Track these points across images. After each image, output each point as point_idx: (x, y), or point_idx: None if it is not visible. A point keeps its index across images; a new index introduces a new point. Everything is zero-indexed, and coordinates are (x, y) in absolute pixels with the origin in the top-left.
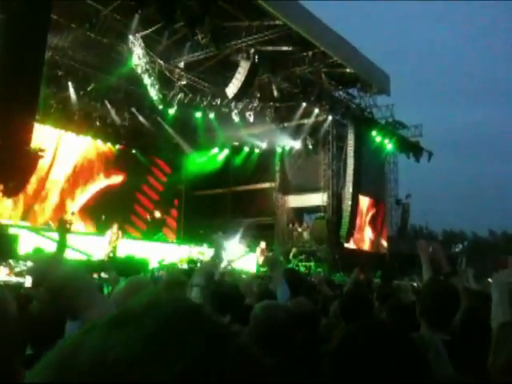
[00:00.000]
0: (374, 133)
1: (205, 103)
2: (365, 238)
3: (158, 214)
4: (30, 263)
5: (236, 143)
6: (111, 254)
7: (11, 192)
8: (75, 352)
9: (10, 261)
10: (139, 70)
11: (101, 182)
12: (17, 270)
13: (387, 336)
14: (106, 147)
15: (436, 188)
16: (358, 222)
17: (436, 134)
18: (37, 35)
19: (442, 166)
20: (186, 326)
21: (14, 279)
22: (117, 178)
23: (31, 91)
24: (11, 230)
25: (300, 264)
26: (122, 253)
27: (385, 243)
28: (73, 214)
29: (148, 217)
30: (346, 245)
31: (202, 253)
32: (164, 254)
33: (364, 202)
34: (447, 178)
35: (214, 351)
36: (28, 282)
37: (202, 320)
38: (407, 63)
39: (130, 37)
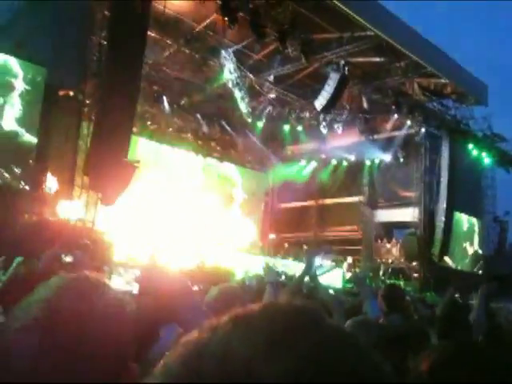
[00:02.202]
0: (470, 146)
1: (293, 116)
2: (459, 257)
3: None
4: (137, 272)
5: (323, 156)
6: (200, 264)
7: (108, 201)
8: (199, 356)
9: (121, 269)
10: (230, 84)
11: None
12: (126, 278)
13: (487, 362)
14: (197, 159)
15: None
16: (451, 239)
17: None
18: (135, 51)
19: None
20: (303, 328)
21: (123, 287)
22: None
23: (129, 105)
24: (106, 237)
25: (389, 282)
26: (208, 262)
27: (481, 263)
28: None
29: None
30: (439, 263)
31: (287, 266)
32: (249, 265)
33: (459, 218)
34: None
35: (333, 353)
36: (135, 289)
37: (320, 323)
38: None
39: (222, 52)
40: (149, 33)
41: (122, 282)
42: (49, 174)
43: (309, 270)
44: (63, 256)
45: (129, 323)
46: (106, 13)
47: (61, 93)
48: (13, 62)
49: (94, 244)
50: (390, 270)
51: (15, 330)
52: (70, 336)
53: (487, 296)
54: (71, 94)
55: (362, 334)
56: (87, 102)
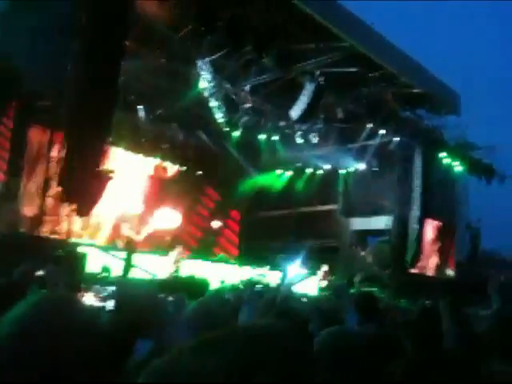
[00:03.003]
0: (442, 154)
1: (269, 125)
2: (431, 264)
3: (215, 224)
4: (113, 288)
5: (299, 164)
6: (174, 274)
7: (82, 211)
8: (173, 367)
9: (97, 286)
10: (206, 94)
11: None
12: (103, 294)
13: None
14: (173, 169)
15: (509, 212)
16: (424, 246)
17: (510, 155)
18: (111, 60)
19: None
20: (265, 351)
21: (99, 303)
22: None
23: (105, 114)
24: (79, 249)
25: (363, 289)
26: (182, 272)
27: (453, 269)
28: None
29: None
30: (411, 270)
31: (263, 275)
32: (224, 274)
33: (432, 226)
34: None
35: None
36: (110, 305)
37: (279, 345)
38: (479, 82)
39: (199, 61)
40: (125, 42)
41: (97, 299)
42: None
43: (285, 279)
44: (36, 270)
45: (102, 339)
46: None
47: (35, 102)
48: None
49: (67, 256)
50: (364, 277)
51: None
52: (44, 351)
53: (458, 303)
54: (45, 103)
55: (338, 344)
56: (61, 111)
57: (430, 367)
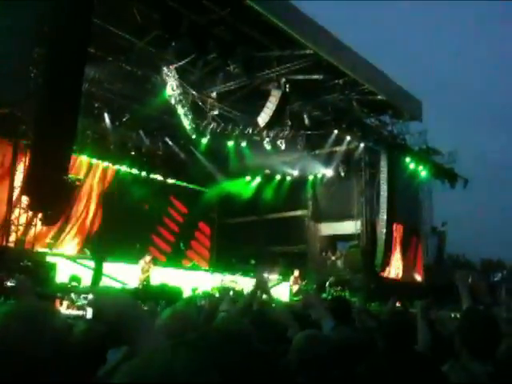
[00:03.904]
0: (407, 159)
1: (237, 132)
2: (399, 267)
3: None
4: (90, 296)
5: (268, 171)
6: (145, 283)
7: (49, 221)
8: (146, 366)
9: (72, 295)
10: (173, 101)
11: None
12: (78, 303)
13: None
14: (141, 176)
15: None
16: (392, 250)
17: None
18: (75, 67)
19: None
20: (232, 349)
21: (74, 312)
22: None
23: (69, 122)
24: (48, 259)
25: (335, 293)
26: (154, 280)
27: (420, 272)
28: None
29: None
30: (381, 274)
31: (235, 281)
32: (197, 281)
33: (398, 230)
34: (484, 204)
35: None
36: (89, 313)
37: (245, 345)
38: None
39: (164, 68)
40: (88, 49)
41: (73, 308)
42: None
43: (259, 284)
44: (4, 281)
45: (76, 348)
46: (46, 28)
47: None
48: None
49: (35, 266)
50: (335, 282)
51: None
52: (18, 360)
53: (429, 306)
54: (7, 111)
55: (313, 347)
56: (25, 119)
57: (399, 367)
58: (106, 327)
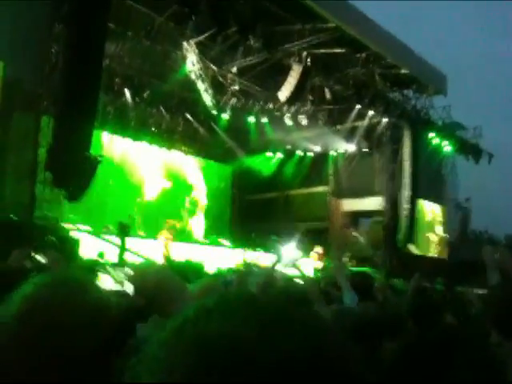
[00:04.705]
0: (430, 135)
1: (257, 107)
2: (425, 243)
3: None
4: (129, 271)
5: (289, 147)
6: (168, 258)
7: (72, 196)
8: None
9: (109, 268)
10: (193, 76)
11: (156, 187)
12: (116, 278)
13: (464, 344)
14: (161, 152)
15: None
16: (416, 226)
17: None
18: (95, 43)
19: (503, 168)
20: (292, 318)
21: (114, 287)
22: (168, 183)
23: (90, 98)
24: (72, 234)
25: (356, 270)
26: (176, 256)
27: (444, 248)
28: (130, 217)
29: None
30: (404, 250)
31: (258, 257)
32: (219, 258)
33: (422, 205)
34: (509, 180)
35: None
36: (129, 289)
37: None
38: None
39: (184, 43)
40: (108, 24)
41: (112, 282)
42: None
43: (280, 259)
44: (35, 255)
45: (111, 324)
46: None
47: (21, 87)
48: None
49: (60, 242)
50: (354, 257)
51: None
52: (50, 332)
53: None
54: (30, 87)
55: (340, 322)
56: (47, 95)
57: (431, 344)
58: (146, 300)
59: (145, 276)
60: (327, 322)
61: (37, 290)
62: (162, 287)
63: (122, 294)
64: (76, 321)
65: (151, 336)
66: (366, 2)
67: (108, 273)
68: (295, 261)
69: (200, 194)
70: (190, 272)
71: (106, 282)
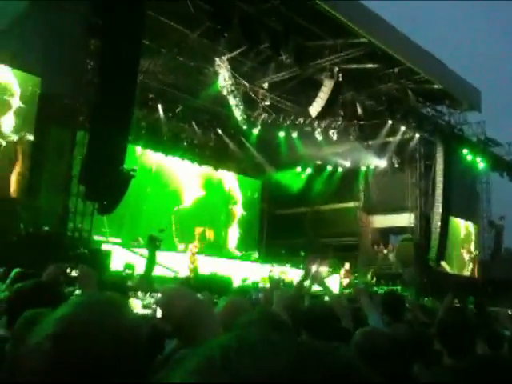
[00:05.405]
0: (464, 151)
1: (288, 122)
2: (458, 261)
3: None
4: (157, 295)
5: (319, 162)
6: (195, 271)
7: (105, 210)
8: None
9: (139, 293)
10: (225, 92)
11: (191, 196)
12: (145, 302)
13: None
14: (193, 167)
15: None
16: (448, 243)
17: None
18: (130, 59)
19: None
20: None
21: (141, 311)
22: (203, 192)
23: (125, 113)
24: (104, 247)
25: (378, 287)
26: (204, 270)
27: (477, 267)
28: (161, 231)
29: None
30: (435, 268)
31: (285, 272)
32: (246, 272)
33: (455, 222)
34: None
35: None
36: (158, 313)
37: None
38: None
39: (217, 59)
40: (143, 41)
41: (140, 305)
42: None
43: (309, 276)
44: (68, 270)
45: (142, 347)
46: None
47: (57, 102)
48: (9, 76)
49: (91, 254)
50: (375, 274)
51: (31, 346)
52: (84, 355)
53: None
54: (66, 102)
55: (372, 344)
56: (83, 110)
57: (471, 375)
58: (172, 325)
59: (172, 301)
60: (354, 358)
61: (72, 311)
62: (189, 313)
63: (149, 318)
64: (112, 342)
65: (179, 361)
66: (398, 15)
67: (137, 297)
68: (323, 278)
69: (237, 205)
70: (215, 285)
71: (135, 305)
